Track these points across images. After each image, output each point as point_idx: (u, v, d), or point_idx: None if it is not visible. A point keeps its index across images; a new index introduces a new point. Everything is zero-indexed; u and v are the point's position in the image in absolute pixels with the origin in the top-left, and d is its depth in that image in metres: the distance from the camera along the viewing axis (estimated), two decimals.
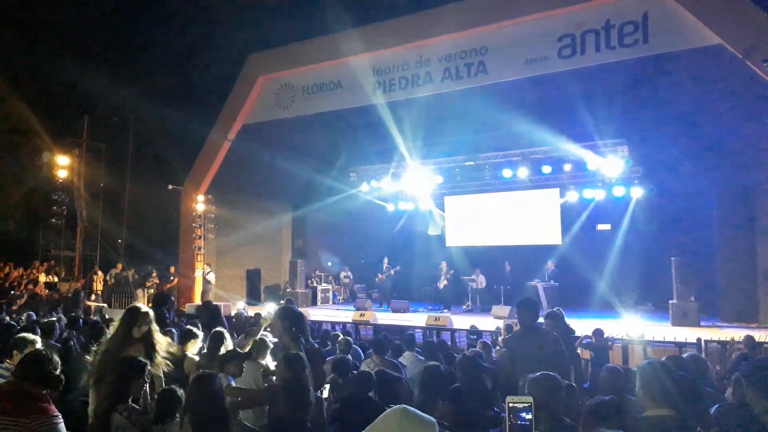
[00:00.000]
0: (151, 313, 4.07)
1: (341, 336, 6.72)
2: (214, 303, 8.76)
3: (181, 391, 3.31)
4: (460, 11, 11.44)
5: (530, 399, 2.04)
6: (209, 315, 6.54)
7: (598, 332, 7.36)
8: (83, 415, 3.45)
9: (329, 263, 18.36)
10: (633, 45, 9.90)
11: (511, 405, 2.03)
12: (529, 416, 2.01)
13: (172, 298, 9.92)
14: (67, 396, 3.73)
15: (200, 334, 5.10)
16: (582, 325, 8.57)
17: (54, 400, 2.75)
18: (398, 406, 1.69)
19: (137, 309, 4.00)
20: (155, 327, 4.02)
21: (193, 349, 4.96)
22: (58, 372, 2.88)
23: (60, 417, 2.65)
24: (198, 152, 15.37)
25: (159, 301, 7.95)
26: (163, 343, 4.03)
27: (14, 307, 11.80)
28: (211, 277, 15.24)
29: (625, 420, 2.80)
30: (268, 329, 4.86)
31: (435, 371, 3.80)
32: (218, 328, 4.81)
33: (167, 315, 7.48)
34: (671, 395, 2.82)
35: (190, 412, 3.02)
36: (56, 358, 2.96)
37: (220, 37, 23.60)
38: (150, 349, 3.86)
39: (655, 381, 2.87)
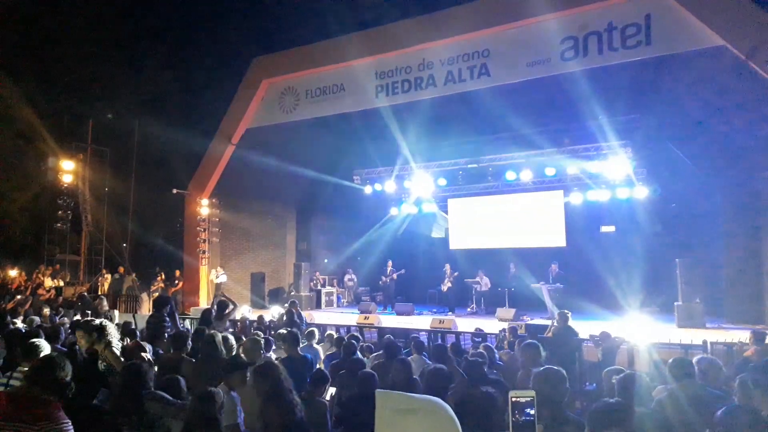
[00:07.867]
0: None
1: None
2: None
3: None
4: (463, 14, 11.45)
5: (533, 393, 2.04)
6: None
7: (604, 335, 7.29)
8: (90, 419, 3.45)
9: (325, 260, 18.41)
10: (636, 47, 9.87)
11: (514, 400, 2.02)
12: (533, 411, 2.00)
13: (173, 302, 9.85)
14: (75, 401, 3.73)
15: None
16: (587, 328, 8.55)
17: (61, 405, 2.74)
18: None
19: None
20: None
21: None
22: (68, 379, 2.85)
23: (69, 423, 2.62)
24: (202, 156, 15.41)
25: (159, 304, 7.91)
26: None
27: (20, 310, 11.82)
28: (223, 278, 15.13)
29: (632, 423, 2.80)
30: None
31: (439, 374, 3.81)
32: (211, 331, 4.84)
33: (166, 319, 7.42)
34: None
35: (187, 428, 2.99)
36: (69, 365, 2.92)
37: (224, 41, 23.67)
38: None
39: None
